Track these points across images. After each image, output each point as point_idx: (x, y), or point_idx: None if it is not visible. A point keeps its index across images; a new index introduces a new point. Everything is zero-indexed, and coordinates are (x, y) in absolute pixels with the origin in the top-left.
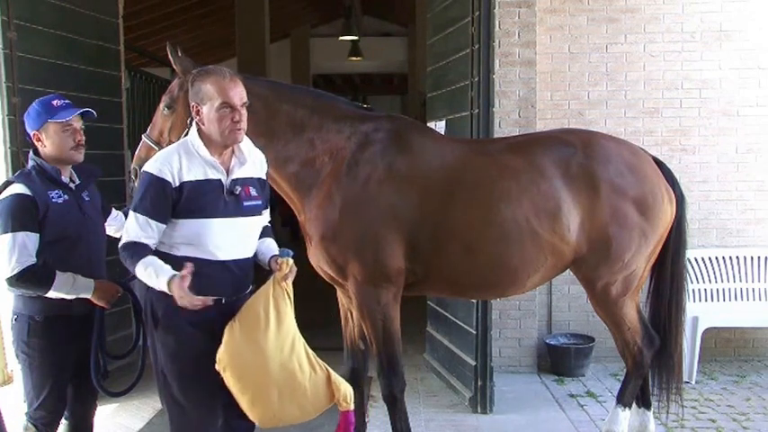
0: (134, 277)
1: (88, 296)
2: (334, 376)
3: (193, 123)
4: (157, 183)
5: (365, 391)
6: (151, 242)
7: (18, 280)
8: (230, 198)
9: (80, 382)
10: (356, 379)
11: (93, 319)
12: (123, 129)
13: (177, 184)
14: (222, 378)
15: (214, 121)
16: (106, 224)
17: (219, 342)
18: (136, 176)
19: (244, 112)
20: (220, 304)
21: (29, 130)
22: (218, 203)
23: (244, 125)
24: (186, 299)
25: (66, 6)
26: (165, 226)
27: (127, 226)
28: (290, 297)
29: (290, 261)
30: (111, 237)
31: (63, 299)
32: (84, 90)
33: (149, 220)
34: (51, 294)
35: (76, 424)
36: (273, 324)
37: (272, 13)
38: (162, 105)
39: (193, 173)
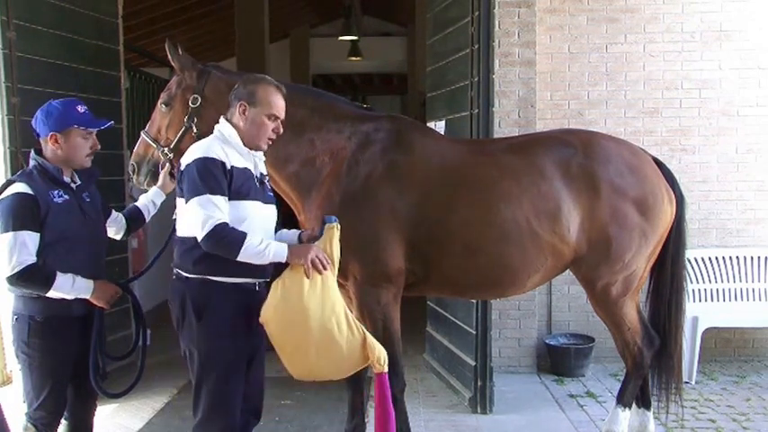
0: (134, 278)
1: (87, 297)
2: (370, 339)
3: (222, 119)
4: (216, 163)
5: (365, 392)
6: (228, 220)
7: (18, 279)
8: (260, 186)
9: (80, 383)
10: (356, 379)
11: (90, 321)
12: (123, 129)
13: (229, 167)
14: (244, 358)
15: (258, 126)
16: (106, 225)
17: (250, 326)
18: (134, 173)
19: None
20: (254, 290)
21: (44, 129)
22: (256, 189)
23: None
24: (317, 260)
25: (65, 6)
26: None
27: (202, 211)
28: (335, 264)
29: (338, 227)
30: (110, 238)
31: (63, 299)
32: (83, 90)
33: (225, 198)
34: (51, 294)
35: (76, 424)
36: (319, 286)
37: (272, 13)
38: (160, 102)
39: (236, 161)
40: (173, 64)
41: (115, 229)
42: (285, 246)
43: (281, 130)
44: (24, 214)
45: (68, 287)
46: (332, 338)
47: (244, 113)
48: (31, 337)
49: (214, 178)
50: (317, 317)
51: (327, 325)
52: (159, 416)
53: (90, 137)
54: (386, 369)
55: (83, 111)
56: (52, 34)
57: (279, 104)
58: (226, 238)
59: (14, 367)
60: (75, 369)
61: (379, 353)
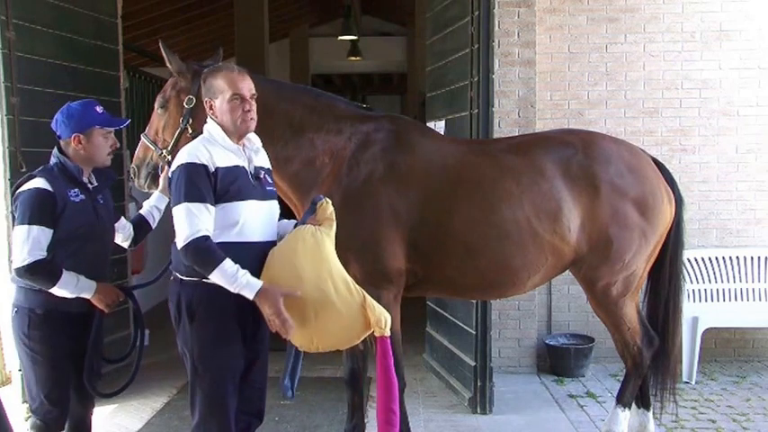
0: (139, 287)
1: (89, 297)
2: (370, 300)
3: (209, 118)
4: (197, 168)
5: (365, 392)
6: (210, 231)
7: (26, 272)
8: (255, 182)
9: (78, 382)
10: (355, 379)
11: (89, 319)
12: (122, 129)
13: (213, 169)
14: (238, 363)
15: (227, 112)
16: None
17: (245, 328)
18: (135, 176)
19: (253, 103)
20: None
21: (67, 131)
22: (249, 187)
23: (254, 115)
24: (278, 319)
25: (64, 6)
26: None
27: (183, 221)
28: (329, 234)
29: (330, 203)
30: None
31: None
32: (82, 90)
33: (206, 205)
34: (54, 291)
35: (75, 422)
36: (311, 252)
37: (271, 13)
38: (156, 105)
39: (222, 160)
40: (169, 66)
41: (123, 236)
42: (259, 283)
43: (253, 106)
44: (41, 209)
45: (72, 286)
46: (328, 299)
47: (212, 108)
48: (32, 330)
49: (195, 185)
50: (312, 279)
51: (322, 286)
52: (159, 416)
53: (109, 136)
54: (387, 333)
55: (101, 111)
56: (51, 34)
57: (238, 84)
58: (200, 256)
59: (14, 367)
60: (74, 367)
61: (380, 314)
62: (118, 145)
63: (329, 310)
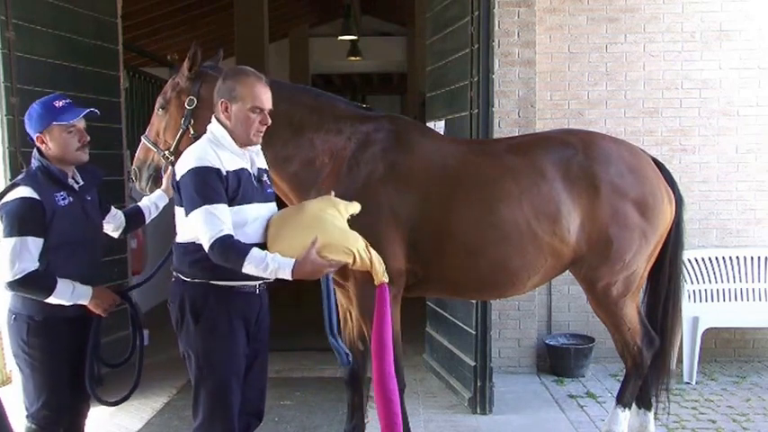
0: (134, 287)
1: (86, 303)
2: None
3: (213, 119)
4: (211, 172)
5: (364, 392)
6: (232, 230)
7: (19, 285)
8: (258, 185)
9: (74, 385)
10: (355, 380)
11: (88, 321)
12: (122, 129)
13: (225, 173)
14: (242, 362)
15: (243, 121)
16: (104, 221)
17: (248, 327)
18: (136, 178)
19: (268, 117)
20: (254, 293)
21: (31, 132)
22: (253, 190)
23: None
24: (328, 269)
25: (64, 6)
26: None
27: (205, 223)
28: (346, 206)
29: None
30: (109, 238)
31: None
32: (82, 90)
33: (223, 205)
34: (50, 301)
35: (69, 426)
36: (324, 200)
37: (271, 13)
38: (157, 106)
39: (230, 163)
40: (189, 67)
41: (114, 225)
42: (291, 261)
43: (269, 121)
44: (30, 219)
45: (68, 294)
46: (320, 216)
47: (226, 111)
48: (31, 337)
49: (210, 187)
50: (313, 204)
51: (320, 215)
52: (159, 416)
53: (74, 129)
54: (385, 279)
55: (61, 105)
56: (51, 34)
57: (261, 96)
58: (227, 252)
59: (14, 367)
60: (71, 370)
61: (376, 258)
62: (88, 138)
63: (317, 228)
